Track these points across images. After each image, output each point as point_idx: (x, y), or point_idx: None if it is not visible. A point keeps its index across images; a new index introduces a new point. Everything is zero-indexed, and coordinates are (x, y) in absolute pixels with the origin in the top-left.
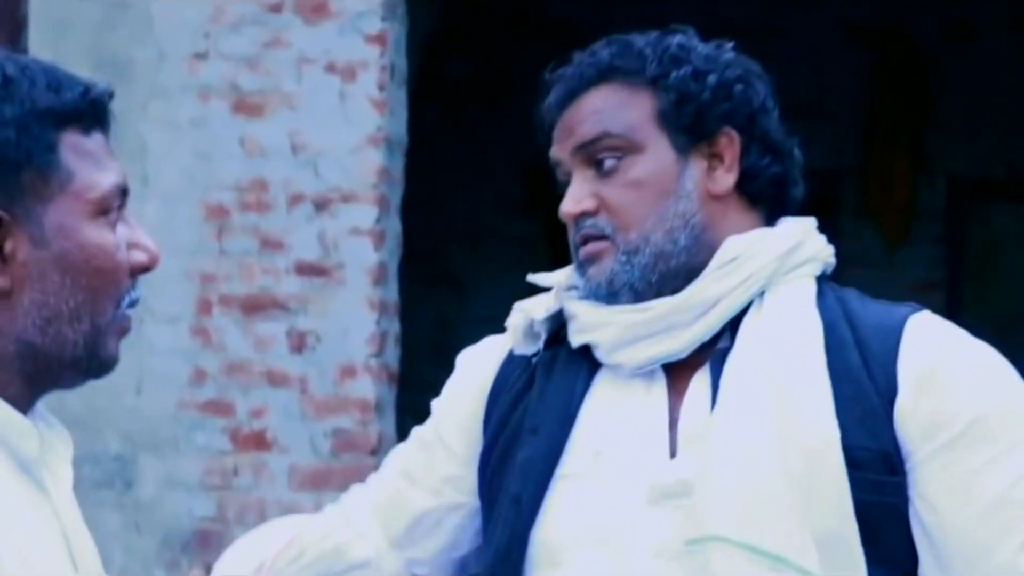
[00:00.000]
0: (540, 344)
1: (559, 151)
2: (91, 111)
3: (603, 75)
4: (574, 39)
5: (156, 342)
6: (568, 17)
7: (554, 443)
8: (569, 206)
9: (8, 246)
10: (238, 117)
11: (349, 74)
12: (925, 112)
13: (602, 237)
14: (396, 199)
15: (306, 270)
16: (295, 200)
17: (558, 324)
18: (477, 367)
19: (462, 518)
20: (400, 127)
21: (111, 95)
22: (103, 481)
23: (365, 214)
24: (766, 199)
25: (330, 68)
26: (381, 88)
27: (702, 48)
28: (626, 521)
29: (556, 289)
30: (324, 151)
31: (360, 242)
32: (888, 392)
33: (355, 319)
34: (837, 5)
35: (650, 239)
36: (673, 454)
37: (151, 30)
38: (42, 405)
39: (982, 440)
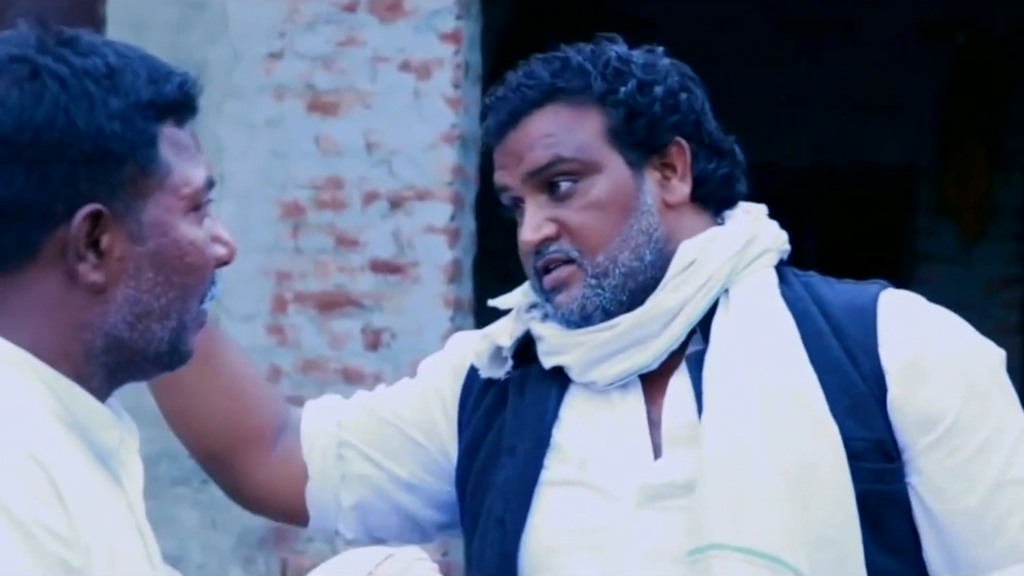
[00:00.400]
0: (508, 366)
1: (506, 177)
2: (186, 103)
3: (547, 96)
4: (647, 35)
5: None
6: (641, 13)
7: (531, 461)
8: (529, 235)
9: (106, 241)
10: (313, 116)
11: (424, 72)
12: (1001, 108)
13: (568, 261)
14: (470, 197)
15: (381, 268)
16: (370, 198)
17: (523, 343)
18: (453, 366)
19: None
20: (474, 124)
21: (200, 86)
22: (180, 478)
23: (440, 212)
24: (716, 199)
25: (405, 66)
26: (456, 86)
27: (639, 57)
28: (617, 526)
29: (517, 311)
30: (399, 149)
31: (435, 239)
32: (875, 380)
33: (430, 316)
34: (913, 1)
35: (618, 260)
36: (658, 456)
37: (226, 30)
38: (113, 398)
39: (973, 424)
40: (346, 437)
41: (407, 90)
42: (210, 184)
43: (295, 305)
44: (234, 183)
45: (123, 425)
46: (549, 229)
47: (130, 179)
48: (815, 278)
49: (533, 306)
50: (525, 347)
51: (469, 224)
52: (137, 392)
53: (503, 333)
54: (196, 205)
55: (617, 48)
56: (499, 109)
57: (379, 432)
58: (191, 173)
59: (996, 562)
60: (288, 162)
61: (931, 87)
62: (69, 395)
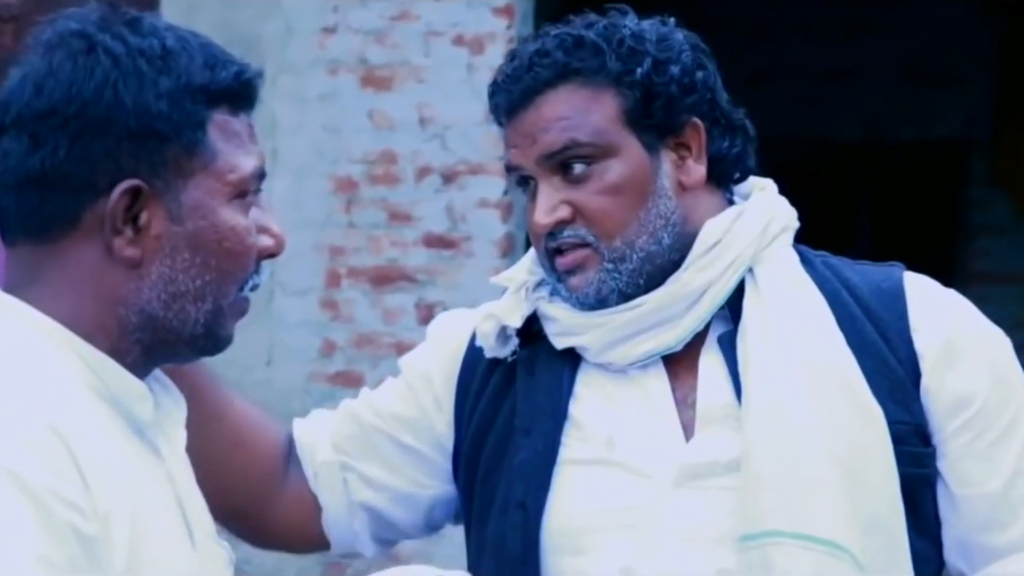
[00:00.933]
0: (514, 345)
1: (519, 157)
2: (242, 92)
3: (561, 76)
4: (699, 9)
5: (286, 315)
6: None
7: (549, 440)
8: (542, 217)
9: (144, 217)
10: (366, 91)
11: (477, 46)
12: None
13: (583, 245)
14: None
15: (434, 242)
16: (423, 173)
17: (529, 322)
18: (442, 348)
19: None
20: None
21: (262, 78)
22: None
23: (493, 186)
24: (729, 177)
25: (458, 41)
26: None
27: (651, 32)
28: (652, 505)
29: (525, 290)
30: (452, 124)
31: (488, 214)
32: (910, 365)
33: (482, 291)
34: None
35: (636, 244)
36: (689, 436)
37: (279, 5)
38: (159, 369)
39: (998, 408)
40: (345, 459)
41: (460, 64)
42: (260, 175)
43: (348, 280)
44: (287, 158)
45: (166, 396)
46: (563, 212)
47: (173, 159)
48: (832, 259)
49: (539, 283)
50: (528, 325)
51: (522, 198)
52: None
53: (510, 312)
54: (242, 193)
55: (630, 23)
56: (511, 88)
57: (372, 446)
58: (239, 161)
59: (1009, 547)
60: (341, 137)
61: (986, 58)
62: (102, 367)
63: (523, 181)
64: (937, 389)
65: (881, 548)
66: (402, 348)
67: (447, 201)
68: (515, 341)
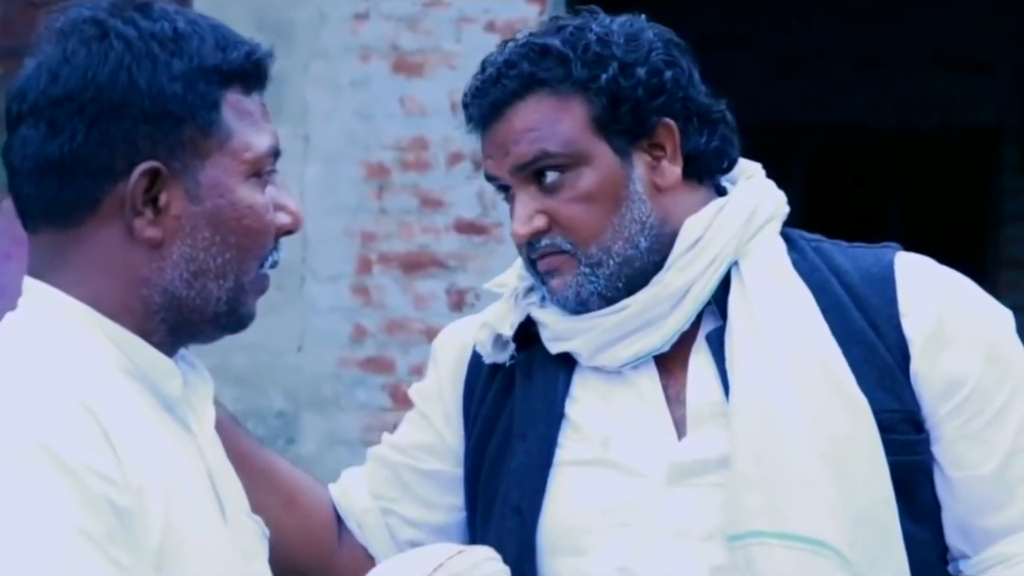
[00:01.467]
0: (511, 350)
1: (495, 168)
2: (254, 72)
3: (527, 87)
4: (732, 3)
5: (317, 301)
6: None
7: (545, 444)
8: (520, 227)
9: (163, 198)
10: (398, 77)
11: (509, 32)
12: None
13: (560, 252)
14: None
15: (465, 228)
16: (454, 159)
17: (525, 325)
18: (443, 368)
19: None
20: None
21: (272, 57)
22: (266, 438)
23: None
24: (709, 170)
25: (490, 27)
26: None
27: (619, 34)
28: (646, 503)
29: (515, 296)
30: None
31: None
32: (899, 350)
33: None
34: None
35: (612, 250)
36: (681, 435)
37: None
38: (185, 349)
39: (992, 389)
40: (383, 504)
41: (492, 50)
42: (274, 152)
43: (380, 266)
44: (320, 144)
45: (194, 374)
46: (540, 222)
47: (189, 139)
48: (825, 243)
49: (531, 289)
50: (527, 328)
51: None
52: (222, 352)
53: (502, 320)
54: (257, 171)
55: (598, 27)
56: (480, 101)
57: (404, 484)
58: (254, 139)
59: (1008, 528)
60: (373, 123)
61: (1018, 45)
62: (130, 346)
63: (503, 189)
64: (927, 373)
65: (871, 540)
66: (432, 334)
67: (478, 187)
68: (512, 346)
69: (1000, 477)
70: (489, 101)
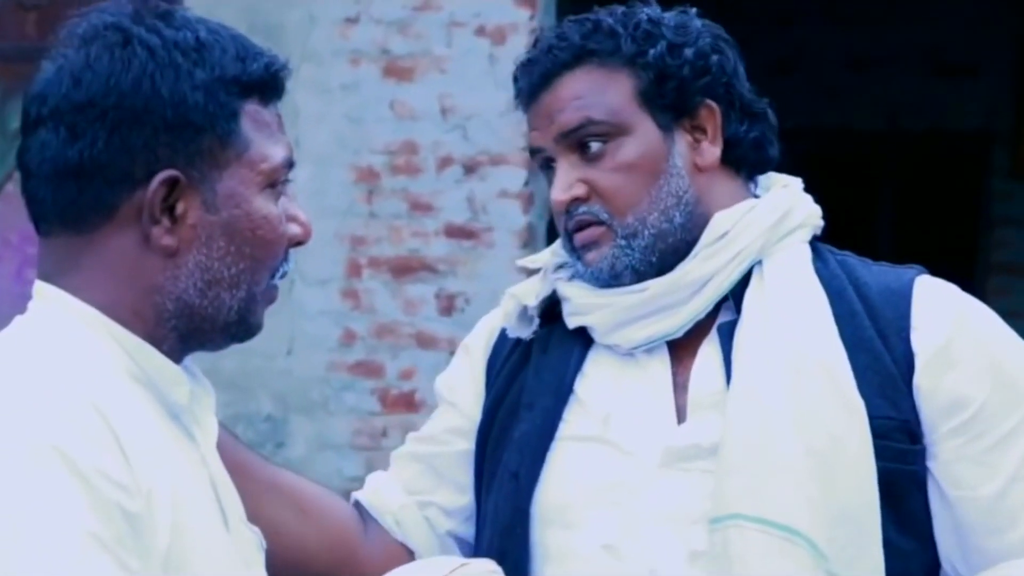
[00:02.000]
0: (535, 325)
1: (539, 138)
2: (272, 83)
3: (578, 58)
4: (726, 2)
5: (307, 304)
6: None
7: (549, 416)
8: (559, 194)
9: (180, 207)
10: (388, 81)
11: (499, 37)
12: None
13: (597, 223)
14: None
15: (455, 232)
16: (444, 163)
17: (550, 303)
18: (475, 350)
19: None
20: None
21: (289, 69)
22: (255, 442)
23: (514, 176)
24: (748, 163)
25: (480, 31)
26: None
27: (671, 19)
28: (637, 484)
29: (544, 271)
30: (473, 114)
31: (509, 204)
32: (905, 362)
33: (503, 281)
34: None
35: (647, 221)
36: (681, 420)
37: None
38: (188, 359)
39: (999, 414)
40: (419, 498)
41: (482, 55)
42: (289, 164)
43: (369, 270)
44: (309, 148)
45: (198, 384)
46: (579, 190)
47: (208, 149)
48: (851, 258)
49: (561, 266)
50: (552, 307)
51: (543, 189)
52: (212, 356)
53: (530, 292)
54: (273, 182)
55: (649, 10)
56: (531, 71)
57: (438, 473)
58: (270, 150)
59: (1007, 553)
60: (363, 127)
61: (1008, 50)
62: (140, 353)
63: (546, 165)
64: (931, 389)
65: (850, 540)
66: (422, 338)
67: (468, 191)
68: (536, 321)
69: (1001, 501)
70: (539, 71)
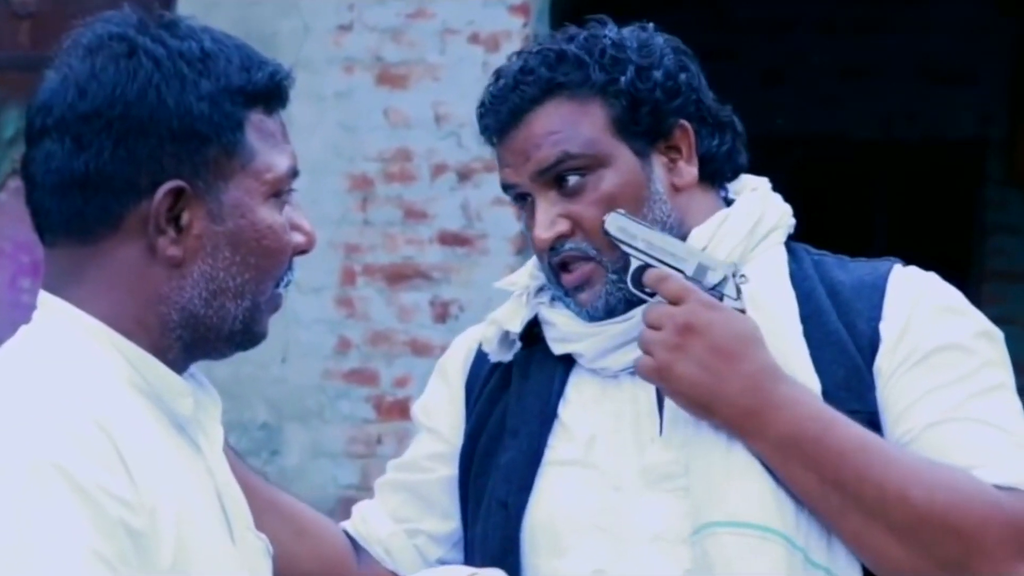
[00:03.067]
0: (516, 349)
1: (513, 175)
2: (276, 93)
3: (547, 92)
4: (721, 11)
5: (301, 312)
6: None
7: (534, 442)
8: (543, 232)
9: (186, 217)
10: (382, 88)
11: (492, 44)
12: None
13: (585, 258)
14: None
15: (449, 240)
16: (438, 170)
17: (528, 325)
18: (451, 374)
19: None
20: None
21: (293, 79)
22: (250, 450)
23: None
24: (722, 176)
25: (473, 39)
26: None
27: (632, 39)
28: (625, 507)
29: (526, 296)
30: (467, 121)
31: (503, 212)
32: (870, 349)
33: (497, 289)
34: None
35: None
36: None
37: (296, 3)
38: (194, 367)
39: (944, 366)
40: (408, 526)
41: (476, 62)
42: (293, 173)
43: (364, 278)
44: (303, 156)
45: (203, 393)
46: (562, 226)
47: (214, 159)
48: (828, 258)
49: (541, 289)
50: (529, 328)
51: None
52: (206, 364)
53: (511, 318)
54: (277, 192)
55: (610, 33)
56: (498, 108)
57: (424, 500)
58: (275, 160)
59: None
60: (357, 135)
61: (1002, 58)
62: (143, 364)
63: (520, 198)
64: (887, 368)
65: (823, 529)
66: (416, 345)
67: (462, 199)
68: (518, 345)
69: (930, 432)
70: (508, 108)
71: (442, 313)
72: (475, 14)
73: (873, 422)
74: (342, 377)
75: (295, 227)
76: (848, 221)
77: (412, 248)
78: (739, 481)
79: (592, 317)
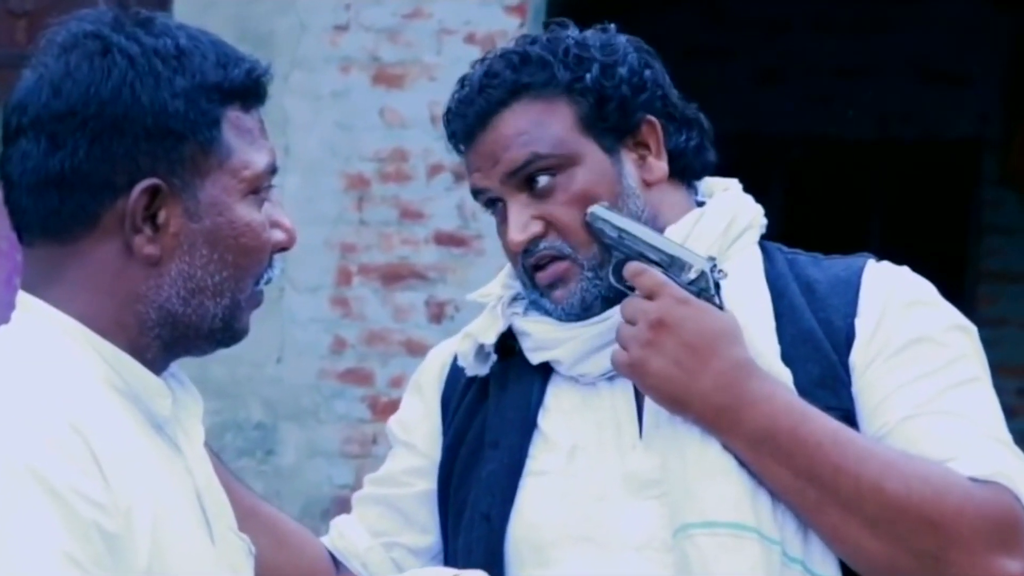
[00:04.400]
0: (492, 362)
1: (482, 179)
2: (254, 89)
3: (513, 93)
4: (717, 10)
5: (297, 312)
6: None
7: (515, 454)
8: (517, 235)
9: (162, 216)
10: (378, 88)
11: (489, 44)
12: None
13: (560, 257)
14: None
15: (445, 240)
16: (434, 170)
17: (505, 336)
18: (427, 388)
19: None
20: None
21: (271, 74)
22: (245, 449)
23: None
24: (692, 171)
25: (470, 39)
26: None
27: (594, 39)
28: (606, 516)
29: (500, 307)
30: None
31: None
32: (845, 345)
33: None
34: None
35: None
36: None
37: (293, 2)
38: (175, 365)
39: (917, 359)
40: (385, 540)
41: (472, 62)
42: (272, 170)
43: (359, 277)
44: (299, 155)
45: (184, 392)
46: (536, 227)
47: (190, 157)
48: (802, 256)
49: (514, 299)
50: (505, 340)
51: None
52: (201, 363)
53: (485, 330)
54: (255, 189)
55: (572, 34)
56: (465, 113)
57: (402, 514)
58: (252, 157)
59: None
60: (353, 134)
61: (998, 58)
62: (121, 364)
63: (490, 203)
64: (861, 363)
65: (798, 524)
66: (412, 345)
67: (458, 199)
68: (494, 358)
69: (911, 424)
70: (474, 112)
71: (438, 313)
72: (471, 14)
73: (849, 419)
74: (337, 377)
75: (275, 224)
76: (843, 220)
77: (408, 248)
78: (713, 480)
79: (568, 315)
